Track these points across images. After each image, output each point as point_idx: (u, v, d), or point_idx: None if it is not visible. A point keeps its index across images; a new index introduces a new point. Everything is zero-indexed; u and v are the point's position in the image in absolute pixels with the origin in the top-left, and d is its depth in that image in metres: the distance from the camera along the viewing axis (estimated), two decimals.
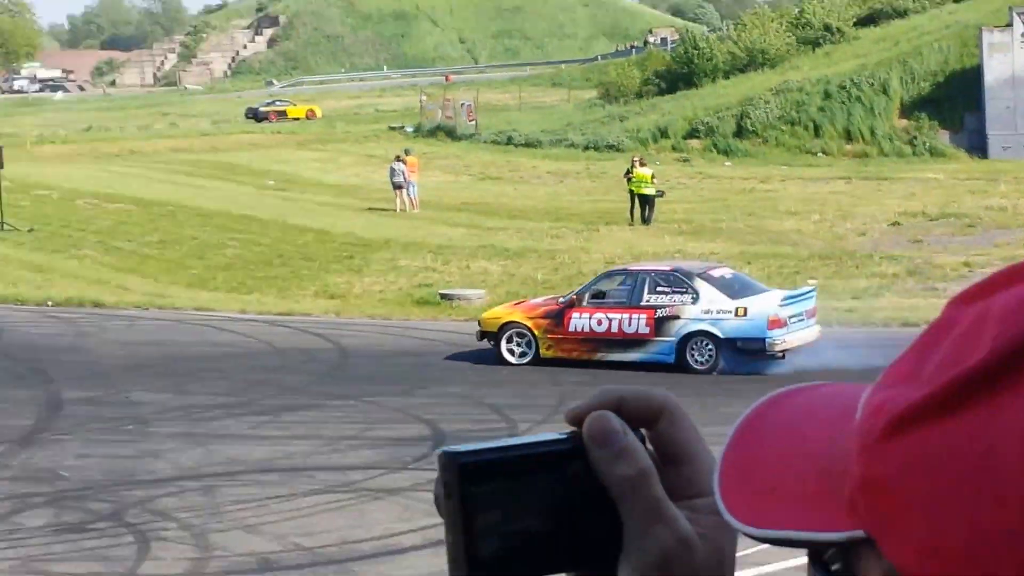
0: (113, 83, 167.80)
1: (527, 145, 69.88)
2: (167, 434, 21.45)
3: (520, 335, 26.72)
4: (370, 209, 50.18)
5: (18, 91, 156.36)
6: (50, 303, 33.79)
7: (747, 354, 25.14)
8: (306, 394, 24.25)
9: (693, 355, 25.43)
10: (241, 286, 35.74)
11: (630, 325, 25.80)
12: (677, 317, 25.53)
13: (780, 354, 25.10)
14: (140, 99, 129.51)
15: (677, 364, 25.35)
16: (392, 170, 49.76)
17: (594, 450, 1.16)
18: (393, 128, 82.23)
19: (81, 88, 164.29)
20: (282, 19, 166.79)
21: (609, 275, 27.94)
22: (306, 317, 31.92)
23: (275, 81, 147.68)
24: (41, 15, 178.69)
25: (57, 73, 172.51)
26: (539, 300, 28.34)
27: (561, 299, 27.31)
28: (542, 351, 26.47)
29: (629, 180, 44.81)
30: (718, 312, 25.33)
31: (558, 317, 26.45)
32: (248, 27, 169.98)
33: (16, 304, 34.03)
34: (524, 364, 26.41)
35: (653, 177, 44.85)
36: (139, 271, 38.19)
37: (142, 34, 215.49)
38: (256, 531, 16.55)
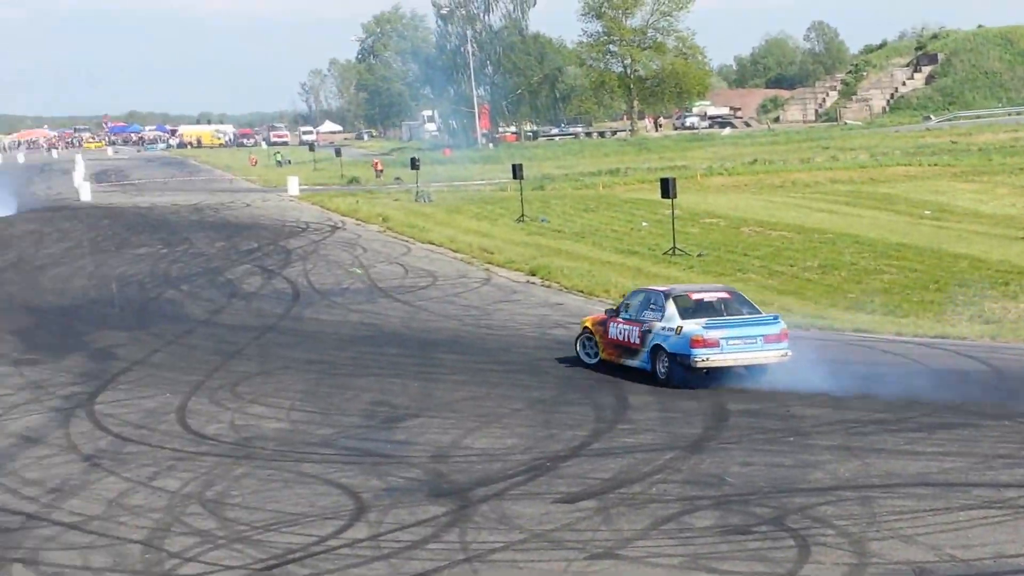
0: (777, 119, 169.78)
1: None
2: (825, 446, 21.40)
3: (588, 339, 29.11)
4: None
5: (689, 127, 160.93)
6: None
7: (684, 368, 26.19)
8: (960, 413, 23.66)
9: (658, 365, 26.89)
10: (897, 309, 35.23)
11: (630, 336, 27.77)
12: (650, 331, 27.16)
13: (703, 371, 26.12)
14: (801, 133, 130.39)
15: (651, 372, 26.99)
16: None
17: None
18: None
19: (747, 124, 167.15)
20: (940, 56, 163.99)
21: (636, 293, 29.38)
22: (960, 340, 31.11)
23: (932, 116, 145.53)
24: (711, 57, 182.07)
25: (725, 111, 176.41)
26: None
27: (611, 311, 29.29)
28: (601, 354, 28.69)
29: None
30: (667, 329, 26.69)
31: (605, 325, 28.67)
32: (907, 65, 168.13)
33: None
34: (591, 365, 28.66)
35: None
36: (799, 294, 38.34)
37: (805, 73, 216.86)
38: (912, 541, 16.27)
